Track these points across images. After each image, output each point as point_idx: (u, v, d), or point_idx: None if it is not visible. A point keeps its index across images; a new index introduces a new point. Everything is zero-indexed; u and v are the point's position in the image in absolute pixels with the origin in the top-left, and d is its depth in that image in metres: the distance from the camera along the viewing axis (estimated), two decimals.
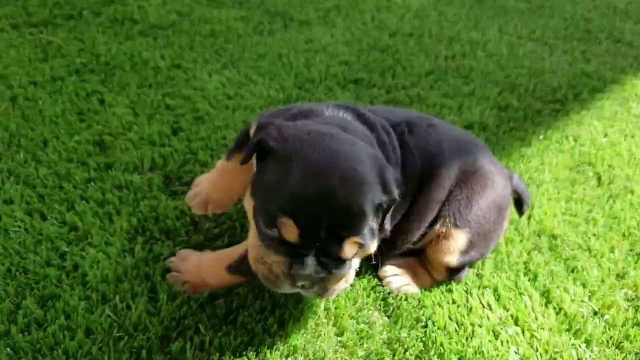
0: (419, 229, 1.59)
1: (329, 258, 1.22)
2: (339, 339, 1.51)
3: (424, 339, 1.52)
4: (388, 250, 1.59)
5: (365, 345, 1.50)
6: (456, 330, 1.55)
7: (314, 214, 1.17)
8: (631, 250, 1.85)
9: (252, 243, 1.31)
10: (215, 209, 1.60)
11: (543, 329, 1.57)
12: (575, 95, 2.70)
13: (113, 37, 2.91)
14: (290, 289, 1.26)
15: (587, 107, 2.62)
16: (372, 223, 1.25)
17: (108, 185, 1.94)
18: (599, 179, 2.16)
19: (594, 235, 1.90)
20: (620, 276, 1.76)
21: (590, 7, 3.74)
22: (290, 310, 1.56)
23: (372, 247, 1.29)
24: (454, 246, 1.58)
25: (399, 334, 1.52)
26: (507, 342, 1.53)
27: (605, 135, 2.41)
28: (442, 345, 1.50)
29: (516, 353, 1.51)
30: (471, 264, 1.66)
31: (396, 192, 1.29)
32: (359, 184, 1.22)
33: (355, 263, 1.32)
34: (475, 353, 1.50)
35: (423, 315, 1.59)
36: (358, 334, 1.52)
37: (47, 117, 2.26)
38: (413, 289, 1.67)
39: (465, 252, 1.58)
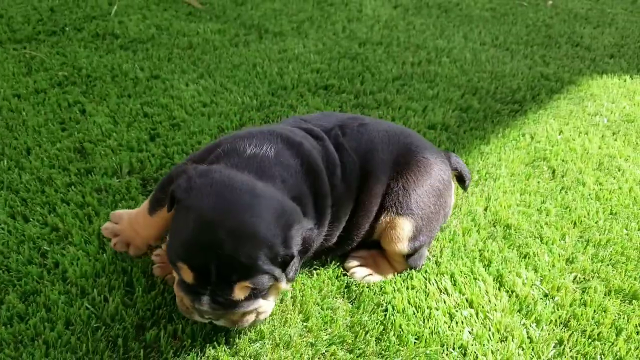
0: (368, 222, 1.68)
1: (223, 297, 1.34)
2: (305, 324, 1.58)
3: (383, 322, 1.59)
4: (344, 245, 1.70)
5: (329, 330, 1.57)
6: (414, 313, 1.62)
7: (203, 261, 1.30)
8: (581, 237, 1.94)
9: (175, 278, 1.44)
10: (136, 252, 1.72)
11: (495, 310, 1.66)
12: (533, 96, 2.81)
13: (94, 51, 2.98)
14: (200, 319, 1.41)
15: (544, 106, 2.72)
16: (271, 268, 1.33)
17: (87, 188, 2.00)
18: (553, 172, 2.25)
19: (546, 223, 1.98)
20: (569, 261, 1.85)
21: (551, 14, 3.86)
22: None
23: (281, 284, 1.40)
24: (401, 234, 1.66)
25: (361, 318, 1.60)
26: (462, 322, 1.61)
27: (560, 132, 2.51)
28: (400, 326, 1.58)
29: (470, 333, 1.59)
30: (420, 248, 1.73)
31: (295, 250, 1.36)
32: (246, 237, 1.30)
33: (270, 299, 1.43)
34: (432, 333, 1.57)
35: (383, 300, 1.66)
36: (322, 319, 1.59)
37: (30, 126, 2.32)
38: (375, 278, 1.74)
39: (413, 238, 1.66)
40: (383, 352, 1.52)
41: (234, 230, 1.31)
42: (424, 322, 1.60)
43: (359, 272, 1.75)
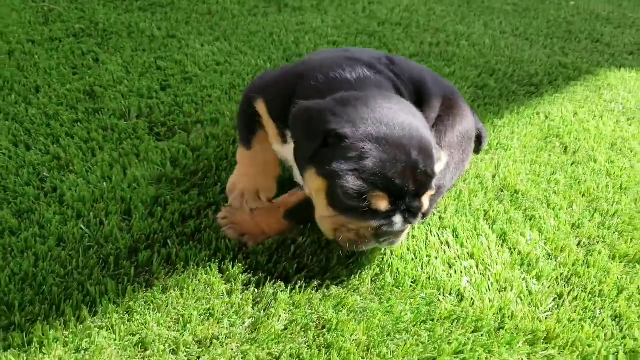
0: None
1: (411, 213, 1.37)
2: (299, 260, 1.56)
3: (380, 265, 1.57)
4: None
5: (324, 265, 1.55)
6: (412, 259, 1.60)
7: (402, 185, 1.31)
8: (589, 207, 1.91)
9: (323, 214, 1.41)
10: (268, 194, 1.62)
11: (496, 263, 1.63)
12: (550, 81, 2.78)
13: (112, 10, 3.01)
14: (372, 244, 1.40)
15: (561, 91, 2.69)
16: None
17: (94, 125, 2.01)
18: (565, 148, 2.22)
19: (554, 192, 1.96)
20: (576, 226, 1.81)
21: (573, 13, 3.85)
22: None
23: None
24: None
25: (358, 258, 1.58)
26: (461, 272, 1.58)
27: (575, 114, 2.48)
28: (397, 269, 1.55)
29: (469, 282, 1.56)
30: (442, 188, 1.70)
31: (439, 148, 1.47)
32: (430, 149, 1.37)
33: None
34: (429, 278, 1.55)
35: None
36: (317, 259, 1.57)
37: (41, 68, 2.34)
38: None
39: (442, 174, 1.64)
40: (378, 290, 1.49)
41: (420, 147, 1.35)
42: (422, 268, 1.58)
43: None
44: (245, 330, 1.35)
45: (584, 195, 1.96)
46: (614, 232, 1.79)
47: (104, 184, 1.74)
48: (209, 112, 2.15)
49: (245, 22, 3.03)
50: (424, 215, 1.46)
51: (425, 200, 1.38)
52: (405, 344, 1.35)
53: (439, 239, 1.70)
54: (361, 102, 1.39)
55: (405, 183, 1.32)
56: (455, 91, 1.84)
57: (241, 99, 1.70)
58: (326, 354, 1.30)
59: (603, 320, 1.48)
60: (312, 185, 1.41)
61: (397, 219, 1.36)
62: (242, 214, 1.60)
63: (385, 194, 1.31)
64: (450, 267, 1.60)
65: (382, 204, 1.33)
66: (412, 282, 1.53)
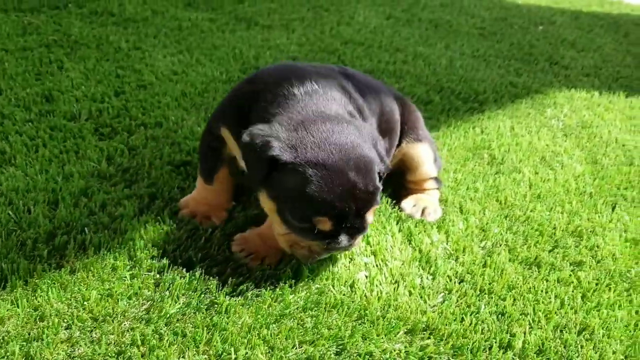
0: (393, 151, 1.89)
1: (355, 229, 1.46)
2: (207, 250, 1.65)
3: (283, 258, 1.65)
4: None
5: (232, 263, 1.63)
6: None
7: (342, 209, 1.40)
8: (501, 213, 1.98)
9: (279, 232, 1.52)
10: (220, 219, 1.76)
11: (396, 259, 1.70)
12: (496, 99, 2.87)
13: (88, 24, 3.16)
14: (324, 256, 1.53)
15: (504, 108, 2.78)
16: (380, 185, 1.48)
17: (43, 125, 2.13)
18: (492, 159, 2.30)
19: (471, 199, 2.03)
20: (483, 230, 1.88)
21: (539, 37, 3.94)
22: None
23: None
24: (425, 156, 1.88)
25: None
26: (360, 267, 1.66)
27: (512, 129, 2.56)
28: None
29: (366, 276, 1.63)
30: (439, 170, 2.00)
31: (387, 161, 1.54)
32: (369, 167, 1.45)
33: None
34: (326, 271, 1.62)
35: None
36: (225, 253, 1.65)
37: (8, 74, 2.48)
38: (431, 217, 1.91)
39: (434, 160, 1.89)
40: (275, 280, 1.57)
41: (359, 167, 1.42)
42: (322, 263, 1.65)
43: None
44: (141, 310, 1.44)
45: (499, 202, 2.03)
46: (519, 237, 1.86)
47: (40, 177, 1.84)
48: (155, 117, 2.27)
49: (212, 38, 3.17)
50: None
51: (369, 216, 1.47)
52: (289, 328, 1.42)
53: None
54: (302, 125, 1.47)
55: (346, 205, 1.40)
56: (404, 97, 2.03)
57: (202, 137, 1.81)
58: (208, 333, 1.38)
59: (485, 315, 1.54)
60: (265, 206, 1.52)
61: (342, 237, 1.45)
62: (254, 240, 1.65)
63: (326, 218, 1.41)
64: (351, 261, 1.67)
65: (326, 226, 1.43)
66: (311, 273, 1.61)
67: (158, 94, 2.46)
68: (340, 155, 1.42)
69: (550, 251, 1.81)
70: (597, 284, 1.68)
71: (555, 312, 1.56)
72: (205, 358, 1.32)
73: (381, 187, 1.48)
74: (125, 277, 1.51)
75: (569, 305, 1.59)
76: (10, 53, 2.68)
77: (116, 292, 1.46)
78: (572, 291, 1.65)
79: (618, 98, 3.04)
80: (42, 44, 2.83)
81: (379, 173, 1.48)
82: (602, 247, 1.84)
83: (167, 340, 1.34)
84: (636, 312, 1.60)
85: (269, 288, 1.54)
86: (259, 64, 2.89)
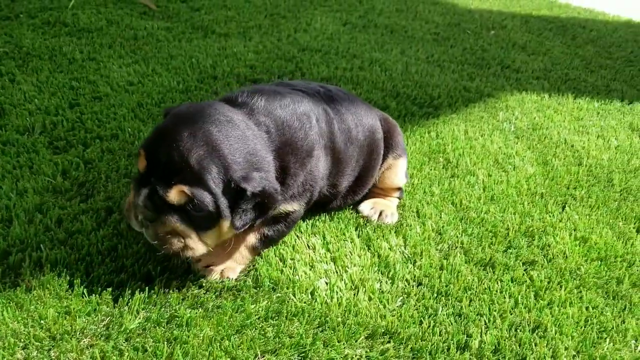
0: (377, 167, 1.95)
1: (160, 199, 1.37)
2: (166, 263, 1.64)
3: (245, 269, 1.65)
4: (359, 192, 1.92)
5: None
6: (276, 263, 1.68)
7: (157, 149, 1.37)
8: (456, 216, 2.02)
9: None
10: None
11: (355, 265, 1.72)
12: (450, 103, 2.92)
13: (40, 35, 3.09)
14: (135, 223, 1.44)
15: (458, 112, 2.83)
16: (217, 192, 1.36)
17: None
18: (447, 163, 2.34)
19: (427, 203, 2.06)
20: (439, 233, 1.92)
21: (491, 42, 4.03)
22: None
23: (225, 223, 1.41)
24: (402, 169, 2.00)
25: None
26: (320, 274, 1.67)
27: (466, 133, 2.62)
28: (259, 271, 1.64)
29: (326, 283, 1.65)
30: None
31: (250, 191, 1.38)
32: (205, 144, 1.36)
33: (206, 239, 1.45)
34: (288, 279, 1.63)
35: None
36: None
37: None
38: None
39: (405, 172, 2.03)
40: (236, 291, 1.57)
41: (196, 134, 1.37)
42: (282, 271, 1.66)
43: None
44: (100, 327, 1.42)
45: (455, 205, 2.07)
46: (474, 239, 1.90)
47: None
48: (110, 129, 2.24)
49: (168, 47, 3.14)
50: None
51: (175, 192, 1.35)
52: (250, 338, 1.42)
53: (307, 244, 1.79)
54: (211, 104, 1.51)
55: (162, 153, 1.36)
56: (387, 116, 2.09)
57: None
58: (169, 347, 1.37)
59: (443, 317, 1.57)
60: None
61: (143, 191, 1.39)
62: (212, 252, 1.56)
63: (144, 152, 1.39)
64: (311, 269, 1.68)
65: (141, 164, 1.40)
66: (272, 282, 1.61)
67: (114, 105, 2.42)
68: (197, 118, 1.41)
69: (504, 252, 1.86)
70: (548, 283, 1.74)
71: (510, 312, 1.61)
72: None
73: (225, 201, 1.38)
74: (83, 293, 1.49)
75: (522, 304, 1.64)
76: None
77: (74, 309, 1.44)
78: (525, 290, 1.69)
79: (566, 100, 3.14)
80: None
81: (230, 183, 1.37)
82: (553, 246, 1.90)
83: (127, 356, 1.33)
84: (586, 309, 1.66)
85: (229, 299, 1.54)
86: (215, 73, 2.88)
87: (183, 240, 1.44)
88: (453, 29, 4.19)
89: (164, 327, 1.43)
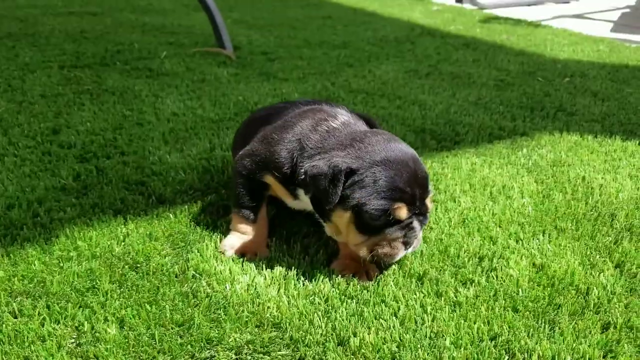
0: None
1: (422, 216, 1.69)
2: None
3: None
4: None
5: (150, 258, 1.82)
6: (208, 256, 1.83)
7: (412, 192, 1.63)
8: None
9: (357, 242, 1.68)
10: (264, 255, 1.87)
11: (284, 266, 1.80)
12: (474, 139, 2.86)
13: (125, 77, 3.62)
14: (403, 252, 1.68)
15: (477, 147, 2.77)
16: None
17: (37, 151, 2.50)
18: (434, 189, 2.33)
19: None
20: None
21: (559, 88, 3.85)
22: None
23: None
24: None
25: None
26: (247, 270, 1.78)
27: (472, 165, 2.56)
28: (190, 262, 1.79)
29: (248, 278, 1.75)
30: None
31: None
32: (418, 159, 1.71)
33: None
34: (213, 271, 1.76)
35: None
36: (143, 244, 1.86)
37: (33, 113, 2.94)
38: None
39: None
40: (161, 275, 1.74)
41: (413, 158, 1.69)
42: (210, 263, 1.79)
43: None
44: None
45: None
46: (416, 255, 1.88)
47: (12, 187, 2.17)
48: (135, 146, 2.57)
49: (226, 88, 3.49)
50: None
51: (429, 202, 1.68)
52: (148, 312, 1.57)
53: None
54: (354, 143, 1.69)
55: (414, 189, 1.62)
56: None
57: (238, 180, 1.89)
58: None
59: (337, 316, 1.59)
60: (341, 221, 1.66)
61: (415, 224, 1.66)
62: (242, 246, 1.87)
63: (403, 203, 1.61)
64: (241, 266, 1.80)
65: (403, 213, 1.61)
66: (197, 273, 1.76)
67: (150, 130, 2.77)
68: (398, 152, 1.67)
69: (441, 269, 1.81)
70: (474, 300, 1.67)
71: (412, 318, 1.58)
72: None
73: None
74: (34, 263, 1.75)
75: (430, 313, 1.60)
76: (45, 97, 3.16)
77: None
78: (442, 303, 1.65)
79: (612, 141, 2.92)
80: (75, 91, 3.29)
81: None
82: (501, 270, 1.81)
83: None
84: (500, 327, 1.56)
85: (152, 280, 1.70)
86: (251, 107, 3.14)
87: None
88: (524, 76, 4.09)
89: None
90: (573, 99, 3.62)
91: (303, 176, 1.68)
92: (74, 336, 1.50)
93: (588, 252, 1.93)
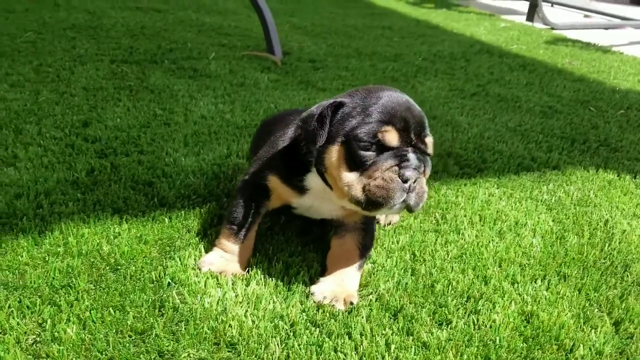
0: None
1: (421, 154, 1.57)
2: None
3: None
4: None
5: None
6: (184, 266, 1.82)
7: (404, 119, 1.53)
8: (404, 266, 1.92)
9: (349, 181, 1.54)
10: (240, 272, 1.81)
11: (260, 284, 1.76)
12: (500, 169, 2.72)
13: (168, 76, 3.68)
14: (401, 193, 1.50)
15: (501, 177, 2.63)
16: None
17: (62, 143, 2.57)
18: (441, 219, 2.22)
19: (381, 247, 2.00)
20: (372, 274, 1.85)
21: (610, 120, 3.60)
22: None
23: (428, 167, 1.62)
24: None
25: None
26: (222, 284, 1.75)
27: (490, 196, 2.43)
28: (167, 270, 1.79)
29: (221, 293, 1.73)
30: None
31: None
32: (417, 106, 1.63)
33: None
34: (187, 282, 1.75)
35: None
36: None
37: (71, 105, 3.03)
38: None
39: None
40: (137, 280, 1.74)
41: (410, 101, 1.62)
42: (186, 273, 1.78)
43: None
44: None
45: (413, 255, 1.97)
46: (400, 288, 1.79)
47: (26, 177, 2.25)
48: (155, 147, 2.61)
49: (262, 94, 3.48)
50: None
51: (430, 143, 1.58)
52: (111, 316, 1.58)
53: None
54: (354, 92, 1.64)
55: (407, 119, 1.53)
56: None
57: (240, 188, 1.87)
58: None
59: (295, 345, 1.53)
60: (333, 159, 1.57)
61: (411, 155, 1.51)
62: (217, 259, 1.82)
63: (391, 126, 1.50)
64: (217, 280, 1.77)
65: (393, 138, 1.50)
66: (173, 282, 1.75)
67: (175, 130, 2.80)
68: (391, 92, 1.60)
69: (421, 306, 1.72)
70: (445, 343, 1.57)
71: (372, 355, 1.50)
72: None
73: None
74: (22, 254, 1.80)
75: (394, 351, 1.51)
76: (87, 90, 3.26)
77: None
78: (409, 342, 1.56)
79: None
80: (117, 86, 3.38)
81: None
82: (485, 314, 1.70)
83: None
84: None
85: (127, 284, 1.71)
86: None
87: (426, 192, 1.57)
88: (575, 104, 3.86)
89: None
90: (622, 133, 3.38)
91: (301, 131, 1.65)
92: (37, 332, 1.52)
93: (586, 305, 1.78)
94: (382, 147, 1.51)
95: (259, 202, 1.84)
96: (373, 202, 1.50)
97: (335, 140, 1.56)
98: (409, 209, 1.55)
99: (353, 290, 1.74)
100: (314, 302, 1.70)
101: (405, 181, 1.49)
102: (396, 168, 1.49)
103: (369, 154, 1.50)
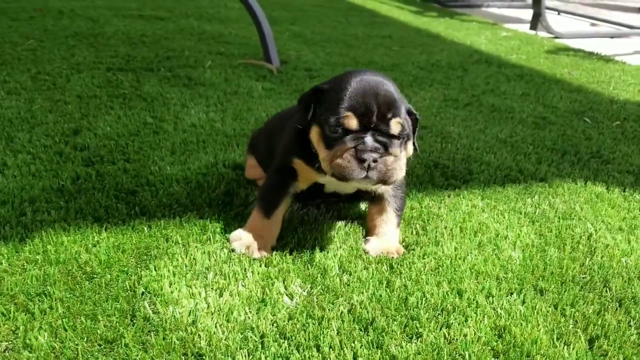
0: None
1: (383, 136, 1.72)
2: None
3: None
4: None
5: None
6: (160, 277, 1.83)
7: (365, 105, 1.71)
8: (380, 277, 1.92)
9: (323, 157, 1.78)
10: (266, 253, 1.97)
11: (234, 296, 1.78)
12: (487, 180, 2.72)
13: (163, 84, 3.72)
14: (359, 171, 1.70)
15: (486, 189, 2.63)
16: (407, 118, 1.78)
17: (51, 150, 2.61)
18: (421, 230, 2.23)
19: (355, 256, 2.01)
20: (347, 284, 1.86)
21: (604, 132, 3.58)
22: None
23: (409, 146, 1.84)
24: None
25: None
26: (194, 295, 1.77)
27: (472, 208, 2.43)
28: (142, 279, 1.80)
29: (194, 304, 1.74)
30: None
31: (418, 115, 1.88)
32: (390, 88, 1.77)
33: (404, 153, 1.81)
34: (160, 292, 1.76)
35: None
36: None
37: (63, 112, 3.07)
38: None
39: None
40: (110, 289, 1.76)
41: (382, 83, 1.76)
42: (160, 284, 1.80)
43: None
44: None
45: (389, 266, 1.98)
46: (373, 300, 1.80)
47: (12, 185, 2.28)
48: (141, 155, 2.63)
49: (254, 102, 3.51)
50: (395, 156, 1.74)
51: (394, 125, 1.71)
52: (82, 323, 1.60)
53: (203, 269, 1.90)
54: (335, 79, 1.85)
55: (370, 104, 1.69)
56: None
57: (271, 174, 2.08)
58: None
59: (260, 355, 1.54)
60: (314, 139, 1.81)
61: (368, 138, 1.70)
62: (247, 235, 1.99)
63: (351, 113, 1.69)
64: (191, 291, 1.79)
65: (352, 123, 1.70)
66: (147, 291, 1.77)
67: (164, 139, 2.83)
68: (366, 76, 1.77)
69: (392, 318, 1.72)
70: (408, 356, 1.57)
71: None
72: None
73: (408, 124, 1.78)
74: (1, 262, 1.82)
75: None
76: (81, 98, 3.30)
77: None
78: (375, 354, 1.56)
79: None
80: (110, 94, 3.42)
81: (409, 108, 1.82)
82: (456, 328, 1.70)
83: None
84: None
85: (101, 293, 1.73)
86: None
87: (399, 165, 1.76)
88: (570, 115, 3.85)
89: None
90: (615, 145, 3.37)
91: None
92: (10, 340, 1.54)
93: (562, 320, 1.78)
94: (346, 130, 1.70)
95: (287, 183, 2.00)
96: (337, 176, 1.73)
97: (316, 121, 1.79)
98: (381, 181, 1.73)
99: (398, 244, 2.08)
100: (372, 257, 2.01)
101: (362, 161, 1.67)
102: (353, 150, 1.68)
103: (336, 135, 1.71)
